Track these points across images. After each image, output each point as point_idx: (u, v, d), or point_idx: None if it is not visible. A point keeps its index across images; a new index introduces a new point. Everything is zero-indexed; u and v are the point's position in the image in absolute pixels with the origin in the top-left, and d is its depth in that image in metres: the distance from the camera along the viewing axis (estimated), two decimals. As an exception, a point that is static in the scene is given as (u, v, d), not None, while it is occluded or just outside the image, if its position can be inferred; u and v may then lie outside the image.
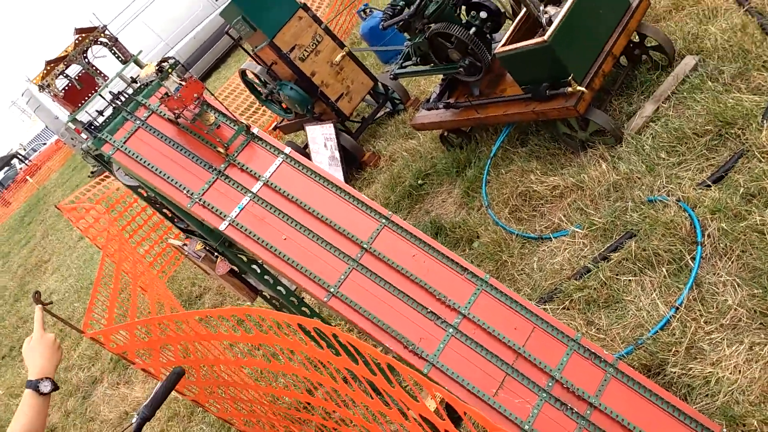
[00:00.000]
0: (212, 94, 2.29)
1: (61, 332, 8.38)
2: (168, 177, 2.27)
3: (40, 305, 2.70)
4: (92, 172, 16.45)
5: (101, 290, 3.45)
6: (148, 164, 2.28)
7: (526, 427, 1.79)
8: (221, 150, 2.23)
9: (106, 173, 7.95)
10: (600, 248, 2.98)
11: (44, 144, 43.58)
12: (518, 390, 1.88)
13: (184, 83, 2.08)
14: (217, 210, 2.23)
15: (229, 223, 2.21)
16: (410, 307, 2.04)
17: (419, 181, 4.54)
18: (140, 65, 2.35)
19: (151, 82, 2.20)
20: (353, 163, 5.35)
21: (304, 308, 2.83)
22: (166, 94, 2.14)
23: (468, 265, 2.10)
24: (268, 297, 3.18)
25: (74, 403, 5.93)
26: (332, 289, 2.08)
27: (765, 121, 2.77)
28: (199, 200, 2.25)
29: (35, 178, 29.84)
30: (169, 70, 2.02)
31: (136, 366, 2.69)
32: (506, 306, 2.01)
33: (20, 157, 40.01)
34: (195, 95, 2.09)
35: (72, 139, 2.68)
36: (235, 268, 2.80)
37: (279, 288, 2.72)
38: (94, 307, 3.16)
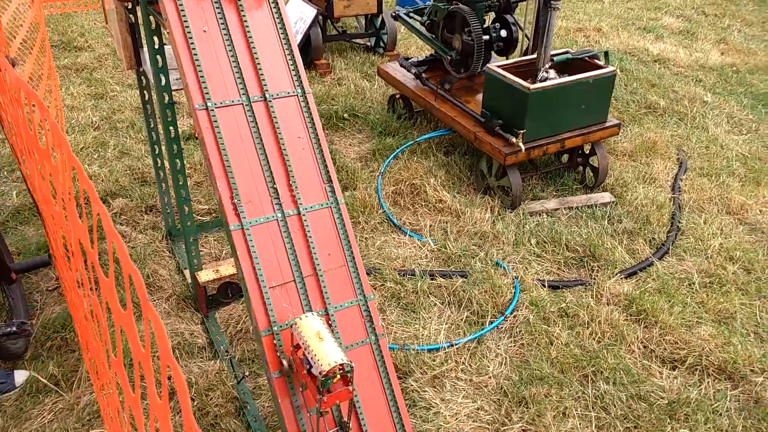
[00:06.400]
0: None
1: None
2: None
3: None
4: None
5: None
6: None
7: (275, 328, 1.82)
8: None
9: None
10: (435, 267, 3.12)
11: None
12: (292, 298, 1.90)
13: None
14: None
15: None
16: (262, 171, 2.00)
17: (345, 115, 4.49)
18: None
19: None
20: (305, 57, 5.18)
21: (168, 111, 2.63)
22: None
23: (335, 181, 2.10)
24: (141, 77, 2.94)
25: None
26: (209, 104, 1.98)
27: (618, 275, 3.06)
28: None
29: None
30: None
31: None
32: (337, 232, 2.04)
33: None
34: None
35: None
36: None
37: (161, 76, 2.51)
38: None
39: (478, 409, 2.38)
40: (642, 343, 2.70)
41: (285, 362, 1.76)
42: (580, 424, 2.33)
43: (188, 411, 0.79)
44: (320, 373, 1.54)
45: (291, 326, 1.73)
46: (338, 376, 1.57)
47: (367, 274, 3.03)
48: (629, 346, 2.67)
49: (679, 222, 3.49)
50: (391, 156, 3.98)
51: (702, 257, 3.22)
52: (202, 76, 2.00)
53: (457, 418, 2.33)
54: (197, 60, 2.00)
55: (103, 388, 1.82)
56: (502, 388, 2.46)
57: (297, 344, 1.71)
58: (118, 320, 1.08)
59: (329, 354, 1.56)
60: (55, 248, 2.06)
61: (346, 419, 1.78)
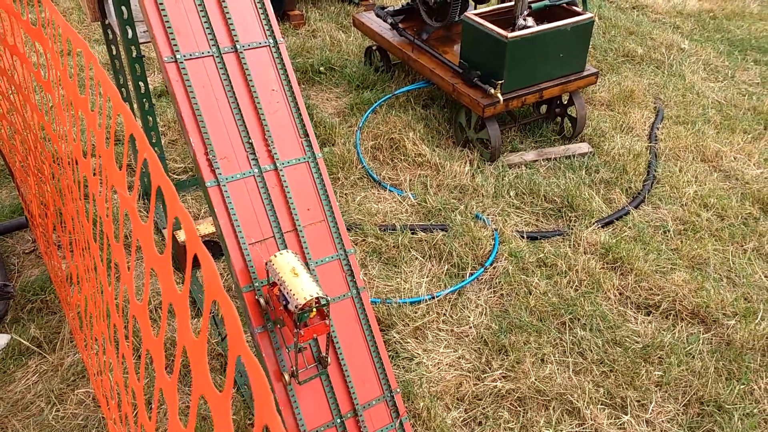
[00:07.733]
0: None
1: None
2: None
3: None
4: None
5: None
6: None
7: (256, 284, 1.82)
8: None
9: None
10: (415, 221, 3.13)
11: None
12: (272, 254, 1.90)
13: None
14: None
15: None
16: (236, 125, 1.95)
17: (321, 68, 4.40)
18: None
19: None
20: (278, 9, 5.03)
21: (136, 66, 2.55)
22: None
23: (312, 135, 2.06)
24: (108, 31, 2.83)
25: None
26: (178, 56, 1.92)
27: (595, 225, 3.11)
28: None
29: None
30: None
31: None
32: (316, 187, 2.02)
33: None
34: None
35: None
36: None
37: (127, 28, 2.42)
38: None
39: (460, 358, 2.43)
40: (618, 290, 2.76)
41: (262, 300, 1.77)
42: (557, 369, 2.40)
43: (240, 334, 0.75)
44: (296, 307, 1.55)
45: (266, 264, 1.74)
46: (314, 310, 1.59)
47: (348, 229, 3.03)
48: (605, 293, 2.73)
49: (655, 171, 3.53)
50: (369, 110, 3.93)
51: (677, 205, 3.27)
52: (170, 27, 1.92)
53: (439, 367, 2.38)
54: (163, 9, 1.93)
55: (94, 343, 1.81)
56: (482, 338, 2.51)
57: (273, 282, 1.72)
58: (150, 264, 1.10)
59: (304, 288, 1.58)
60: (67, 205, 1.99)
61: (324, 354, 1.81)
